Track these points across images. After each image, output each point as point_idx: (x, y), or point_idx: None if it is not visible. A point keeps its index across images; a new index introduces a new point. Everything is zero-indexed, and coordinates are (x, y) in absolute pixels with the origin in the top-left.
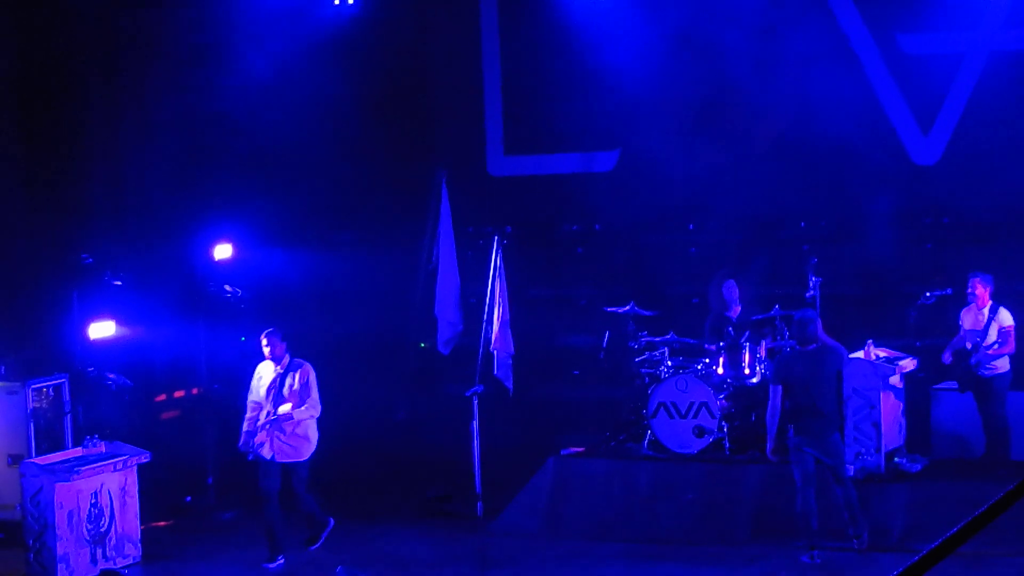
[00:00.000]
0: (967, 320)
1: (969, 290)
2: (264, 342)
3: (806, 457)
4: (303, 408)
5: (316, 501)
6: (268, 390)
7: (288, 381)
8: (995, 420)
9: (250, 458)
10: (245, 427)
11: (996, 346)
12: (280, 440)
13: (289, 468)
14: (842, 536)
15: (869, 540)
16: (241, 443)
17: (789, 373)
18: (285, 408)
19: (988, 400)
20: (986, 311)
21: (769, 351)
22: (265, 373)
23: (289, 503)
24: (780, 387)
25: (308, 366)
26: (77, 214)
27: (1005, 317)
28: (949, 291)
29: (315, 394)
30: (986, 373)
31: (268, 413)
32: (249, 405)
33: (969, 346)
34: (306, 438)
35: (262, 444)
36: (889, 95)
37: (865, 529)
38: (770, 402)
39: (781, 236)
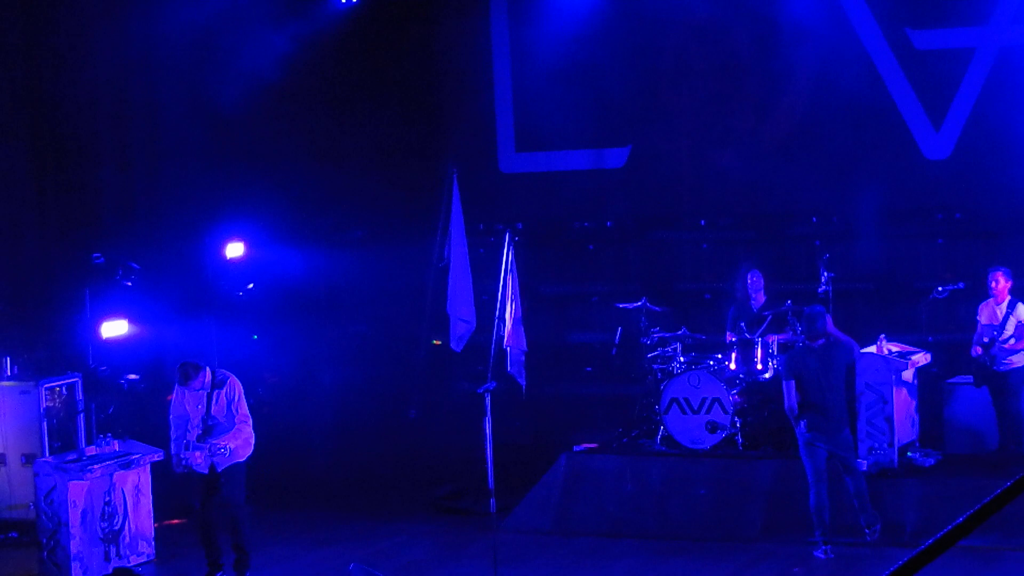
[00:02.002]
0: (984, 314)
1: (991, 283)
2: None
3: (818, 452)
4: (236, 430)
5: (252, 530)
6: (196, 408)
7: (215, 399)
8: (1011, 414)
9: (179, 470)
10: (173, 448)
11: (1012, 340)
12: (216, 450)
13: (226, 474)
14: (854, 531)
15: (881, 533)
16: (174, 464)
17: (801, 368)
18: (222, 439)
19: (1004, 394)
20: (1004, 305)
21: (781, 346)
22: (189, 391)
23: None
24: (793, 382)
25: (234, 379)
26: (89, 214)
27: (1021, 313)
28: (961, 285)
29: (244, 408)
30: (1003, 367)
31: (200, 436)
32: (172, 423)
33: (986, 340)
34: (244, 442)
35: (195, 462)
36: (900, 90)
37: (877, 521)
38: (785, 399)
39: (793, 232)
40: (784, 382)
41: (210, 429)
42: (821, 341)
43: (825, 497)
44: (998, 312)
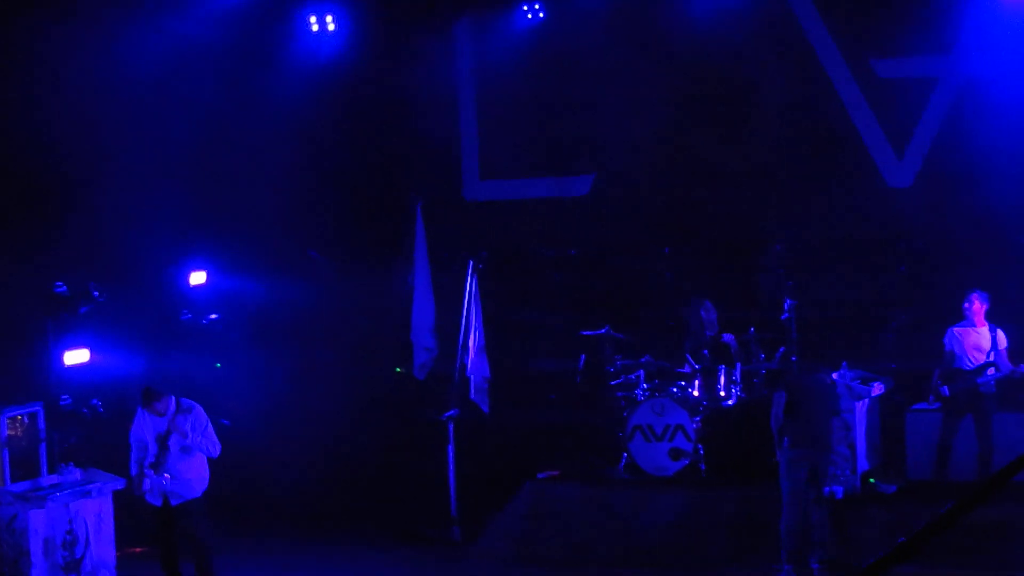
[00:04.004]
0: (968, 339)
1: (966, 305)
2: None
3: (799, 472)
4: (196, 460)
5: (213, 560)
6: (156, 435)
7: (179, 427)
8: (985, 440)
9: (138, 492)
10: (132, 469)
11: (994, 369)
12: (171, 482)
13: (183, 509)
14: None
15: (842, 560)
16: (134, 487)
17: (796, 384)
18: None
19: (984, 420)
20: (986, 331)
21: (744, 373)
22: (151, 416)
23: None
24: (784, 395)
25: (199, 408)
26: (50, 242)
27: (1003, 339)
28: (923, 313)
29: (213, 436)
30: (990, 391)
31: (154, 463)
32: (133, 445)
33: (974, 365)
34: (197, 476)
35: (148, 491)
36: (864, 118)
37: (828, 556)
38: (773, 407)
39: (756, 259)
40: (776, 393)
41: (165, 459)
42: (821, 375)
43: (797, 519)
44: (981, 338)
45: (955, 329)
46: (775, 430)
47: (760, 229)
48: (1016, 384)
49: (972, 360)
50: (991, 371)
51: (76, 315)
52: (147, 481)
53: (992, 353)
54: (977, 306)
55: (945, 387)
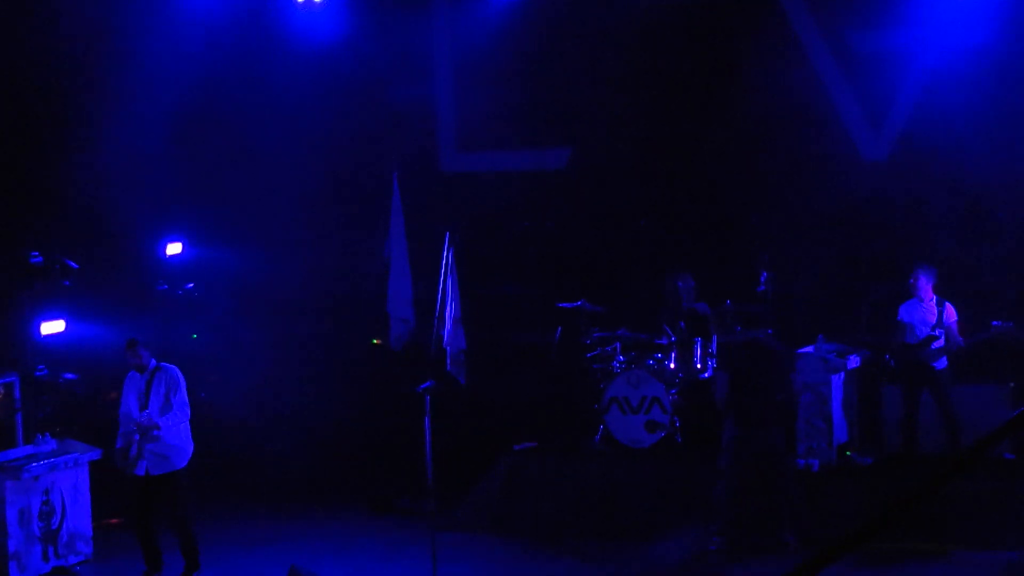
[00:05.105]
0: (916, 313)
1: (912, 280)
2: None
3: (742, 448)
4: (168, 416)
5: (194, 531)
6: (136, 401)
7: (154, 388)
8: (948, 413)
9: (127, 471)
10: (119, 443)
11: (945, 341)
12: (152, 452)
13: (164, 480)
14: (779, 546)
15: (818, 533)
16: (117, 461)
17: (738, 361)
18: (151, 422)
19: (940, 393)
20: (934, 304)
21: (720, 345)
22: (132, 384)
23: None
24: (727, 376)
25: (175, 370)
26: (27, 212)
27: (951, 312)
28: (899, 286)
29: (183, 397)
30: (939, 365)
31: (138, 426)
32: (121, 420)
33: (921, 338)
34: (178, 446)
35: (136, 457)
36: (840, 92)
37: (803, 532)
38: (717, 390)
39: (732, 232)
40: (719, 373)
41: (147, 405)
42: (763, 333)
43: (730, 490)
44: (928, 313)
45: (904, 306)
46: (721, 410)
47: (736, 202)
48: (976, 356)
49: (920, 334)
50: (936, 344)
51: (52, 285)
52: (135, 447)
53: (938, 328)
54: (923, 281)
55: (891, 360)
